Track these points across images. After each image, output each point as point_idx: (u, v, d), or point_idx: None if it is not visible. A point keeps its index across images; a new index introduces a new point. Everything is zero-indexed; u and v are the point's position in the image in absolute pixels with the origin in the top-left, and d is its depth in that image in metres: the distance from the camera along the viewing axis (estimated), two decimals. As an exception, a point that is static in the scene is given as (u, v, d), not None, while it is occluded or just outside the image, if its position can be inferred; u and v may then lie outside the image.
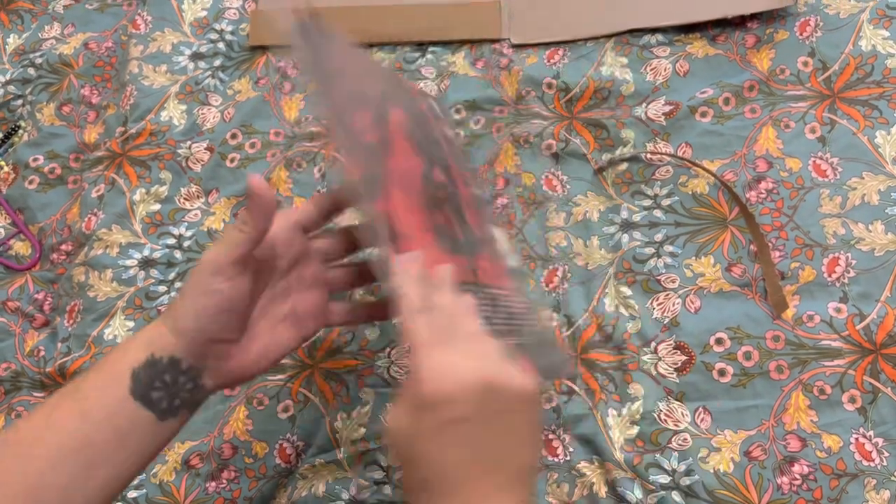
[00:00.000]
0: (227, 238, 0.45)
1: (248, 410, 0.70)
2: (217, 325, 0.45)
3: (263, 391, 0.70)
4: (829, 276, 0.65)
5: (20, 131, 0.86)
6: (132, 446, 0.44)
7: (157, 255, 0.77)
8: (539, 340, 0.56)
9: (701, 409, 0.64)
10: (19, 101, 0.88)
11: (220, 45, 0.84)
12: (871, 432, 0.61)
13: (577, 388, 0.65)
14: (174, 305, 0.46)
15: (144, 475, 0.69)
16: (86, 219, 0.78)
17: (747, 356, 0.64)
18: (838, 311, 0.64)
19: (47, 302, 0.78)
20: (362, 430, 0.67)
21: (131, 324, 0.74)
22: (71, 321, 0.75)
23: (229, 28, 0.85)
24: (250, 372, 0.49)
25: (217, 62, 0.84)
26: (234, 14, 0.85)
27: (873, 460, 0.60)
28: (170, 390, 0.45)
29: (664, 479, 0.62)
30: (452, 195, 0.55)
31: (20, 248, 0.81)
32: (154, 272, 0.76)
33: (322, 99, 0.49)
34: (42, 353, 0.75)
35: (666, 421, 0.64)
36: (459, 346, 0.39)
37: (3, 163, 0.85)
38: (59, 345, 0.75)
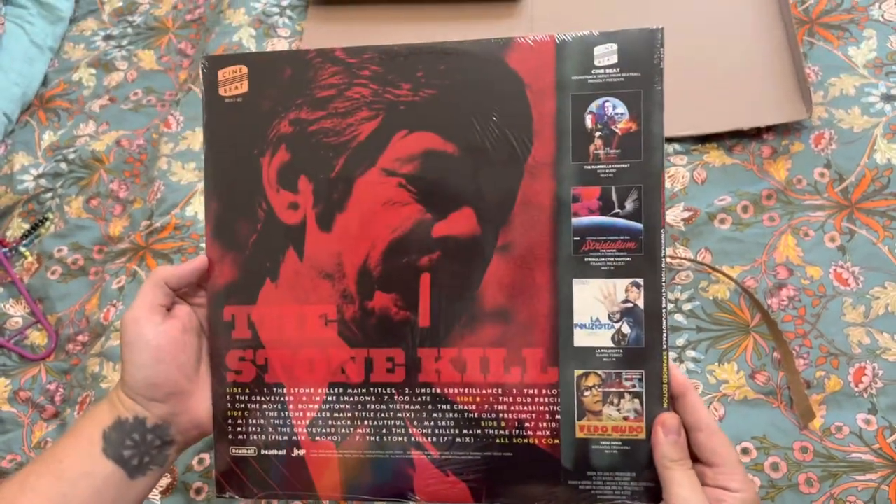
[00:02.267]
0: (140, 293, 0.47)
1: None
2: (160, 377, 0.45)
3: None
4: (856, 386, 0.64)
5: (47, 223, 0.88)
6: None
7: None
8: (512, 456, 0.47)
9: (728, 523, 0.61)
10: (49, 194, 0.90)
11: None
12: (908, 553, 0.58)
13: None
14: (122, 370, 0.47)
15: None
16: (104, 310, 0.78)
17: (775, 467, 0.62)
18: (867, 422, 0.62)
19: (59, 393, 0.77)
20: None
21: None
22: (81, 413, 0.74)
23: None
24: (211, 422, 0.49)
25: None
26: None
27: (913, 584, 0.57)
28: (140, 448, 0.45)
29: None
30: (454, 254, 0.46)
31: (36, 337, 0.81)
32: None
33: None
34: (49, 445, 0.74)
35: (692, 535, 0.61)
36: None
37: (28, 253, 0.86)
38: (67, 437, 0.73)
